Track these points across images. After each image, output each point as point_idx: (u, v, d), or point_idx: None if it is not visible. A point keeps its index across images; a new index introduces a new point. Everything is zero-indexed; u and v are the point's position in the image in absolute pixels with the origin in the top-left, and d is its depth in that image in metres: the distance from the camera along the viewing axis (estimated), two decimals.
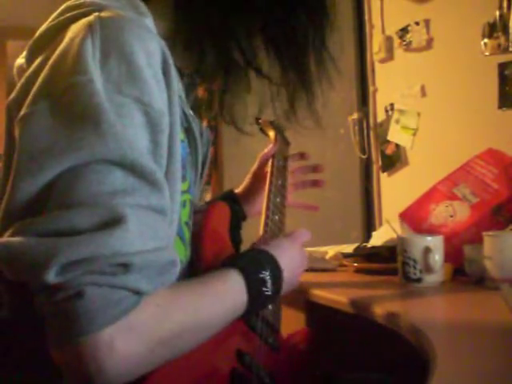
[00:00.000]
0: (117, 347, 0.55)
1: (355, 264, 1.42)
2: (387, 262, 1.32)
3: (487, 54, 2.27)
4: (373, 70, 2.99)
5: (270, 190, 1.08)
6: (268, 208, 1.03)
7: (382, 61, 2.88)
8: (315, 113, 0.85)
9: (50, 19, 0.72)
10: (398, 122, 2.79)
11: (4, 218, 0.60)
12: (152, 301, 0.59)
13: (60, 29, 0.68)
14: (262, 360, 0.83)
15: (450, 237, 1.22)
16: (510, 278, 1.05)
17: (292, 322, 1.22)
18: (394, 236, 1.33)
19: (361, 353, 1.25)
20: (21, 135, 0.61)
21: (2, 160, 0.67)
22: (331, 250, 1.56)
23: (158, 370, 0.62)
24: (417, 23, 2.63)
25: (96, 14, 0.66)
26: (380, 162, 2.93)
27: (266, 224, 0.99)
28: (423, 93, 2.64)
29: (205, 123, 0.91)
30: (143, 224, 0.58)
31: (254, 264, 0.77)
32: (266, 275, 0.76)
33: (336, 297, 1.14)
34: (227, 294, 0.71)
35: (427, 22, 2.59)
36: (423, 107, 2.65)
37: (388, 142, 2.85)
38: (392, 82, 2.84)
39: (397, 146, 2.80)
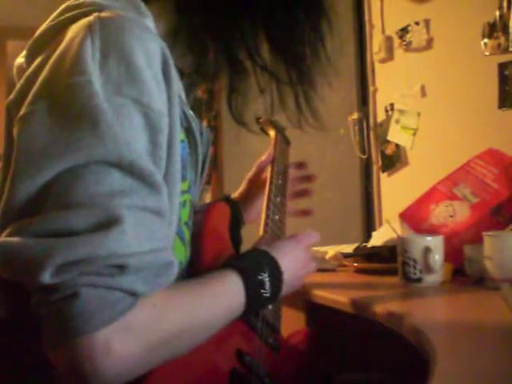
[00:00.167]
0: (113, 348, 0.55)
1: (355, 264, 1.42)
2: (387, 262, 1.32)
3: (487, 53, 2.27)
4: (373, 70, 2.99)
5: (270, 190, 1.08)
6: (268, 208, 1.03)
7: (382, 61, 2.89)
8: (316, 112, 0.85)
9: (49, 19, 0.71)
10: (397, 121, 2.79)
11: (2, 217, 0.60)
12: (149, 301, 0.59)
13: (60, 29, 0.68)
14: (262, 360, 0.83)
15: (449, 237, 1.22)
16: (510, 278, 1.05)
17: (292, 322, 1.22)
18: (394, 236, 1.33)
19: (361, 353, 1.25)
20: (19, 135, 0.61)
21: (2, 160, 0.67)
22: (331, 250, 1.56)
23: (158, 369, 0.62)
24: (417, 23, 2.63)
25: (96, 14, 0.66)
26: (380, 162, 2.94)
27: (266, 224, 0.99)
28: (423, 93, 2.64)
29: (205, 123, 0.91)
30: (140, 225, 0.58)
31: (254, 265, 0.76)
32: (265, 277, 0.76)
33: (336, 297, 1.14)
34: (225, 294, 0.71)
35: (427, 22, 2.59)
36: (423, 107, 2.65)
37: (388, 142, 2.85)
38: (392, 82, 2.84)
39: (397, 146, 2.80)
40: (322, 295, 1.19)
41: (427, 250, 1.13)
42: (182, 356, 0.64)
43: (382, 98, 2.93)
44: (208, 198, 2.86)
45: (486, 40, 2.27)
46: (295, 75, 0.82)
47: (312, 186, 1.26)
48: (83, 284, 0.55)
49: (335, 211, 2.94)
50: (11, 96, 0.67)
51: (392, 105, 2.82)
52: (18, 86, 0.67)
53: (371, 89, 2.99)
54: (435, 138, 2.57)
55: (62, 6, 0.71)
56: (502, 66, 2.22)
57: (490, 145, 1.40)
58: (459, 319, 0.93)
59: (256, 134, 0.89)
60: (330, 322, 1.23)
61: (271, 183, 1.10)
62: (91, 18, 0.65)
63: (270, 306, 0.90)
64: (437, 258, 1.13)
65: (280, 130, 1.27)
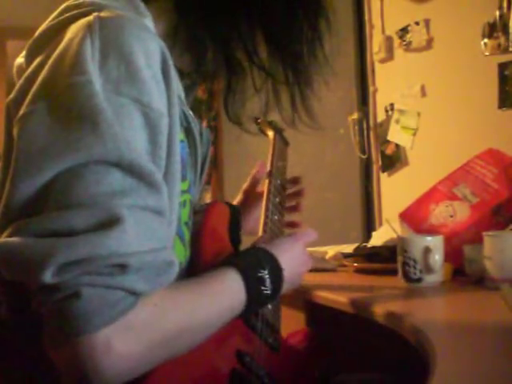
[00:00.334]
0: (114, 347, 0.55)
1: (355, 264, 1.42)
2: (387, 262, 1.32)
3: (487, 54, 2.27)
4: (373, 70, 2.99)
5: (269, 190, 1.08)
6: (267, 208, 1.03)
7: (382, 61, 2.88)
8: (311, 111, 0.85)
9: (49, 19, 0.71)
10: (397, 121, 2.79)
11: (2, 217, 0.60)
12: (150, 301, 0.59)
13: (59, 29, 0.68)
14: (262, 360, 0.83)
15: (449, 237, 1.22)
16: (510, 278, 1.05)
17: (292, 322, 1.22)
18: (394, 236, 1.33)
19: (361, 353, 1.25)
20: (19, 135, 0.61)
21: (2, 160, 0.67)
22: (331, 250, 1.56)
23: (158, 369, 0.62)
24: (417, 23, 2.63)
25: (95, 14, 0.66)
26: (380, 162, 2.94)
27: (265, 224, 0.99)
28: (423, 93, 2.64)
29: (205, 123, 0.91)
30: (140, 225, 0.58)
31: (253, 263, 0.76)
32: (265, 274, 0.76)
33: (336, 297, 1.14)
34: (225, 293, 0.71)
35: (427, 22, 2.59)
36: (423, 107, 2.65)
37: (388, 142, 2.85)
38: (392, 82, 2.84)
39: (397, 146, 2.80)
40: (321, 295, 1.19)
41: (427, 250, 1.13)
42: (182, 356, 0.64)
43: (381, 98, 2.93)
44: (208, 198, 2.86)
45: (485, 40, 2.27)
46: (292, 74, 0.82)
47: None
48: (84, 284, 0.55)
49: (335, 211, 2.94)
50: (11, 96, 0.67)
51: (392, 105, 2.82)
52: (17, 85, 0.67)
53: (371, 89, 2.99)
54: (435, 137, 2.57)
55: (62, 6, 0.71)
56: (502, 66, 2.22)
57: (489, 145, 1.40)
58: (459, 319, 0.93)
59: (253, 134, 0.88)
60: (329, 321, 1.23)
61: (270, 183, 1.10)
62: (91, 17, 0.65)
63: (269, 306, 0.90)
64: (437, 258, 1.13)
65: (278, 131, 1.27)
